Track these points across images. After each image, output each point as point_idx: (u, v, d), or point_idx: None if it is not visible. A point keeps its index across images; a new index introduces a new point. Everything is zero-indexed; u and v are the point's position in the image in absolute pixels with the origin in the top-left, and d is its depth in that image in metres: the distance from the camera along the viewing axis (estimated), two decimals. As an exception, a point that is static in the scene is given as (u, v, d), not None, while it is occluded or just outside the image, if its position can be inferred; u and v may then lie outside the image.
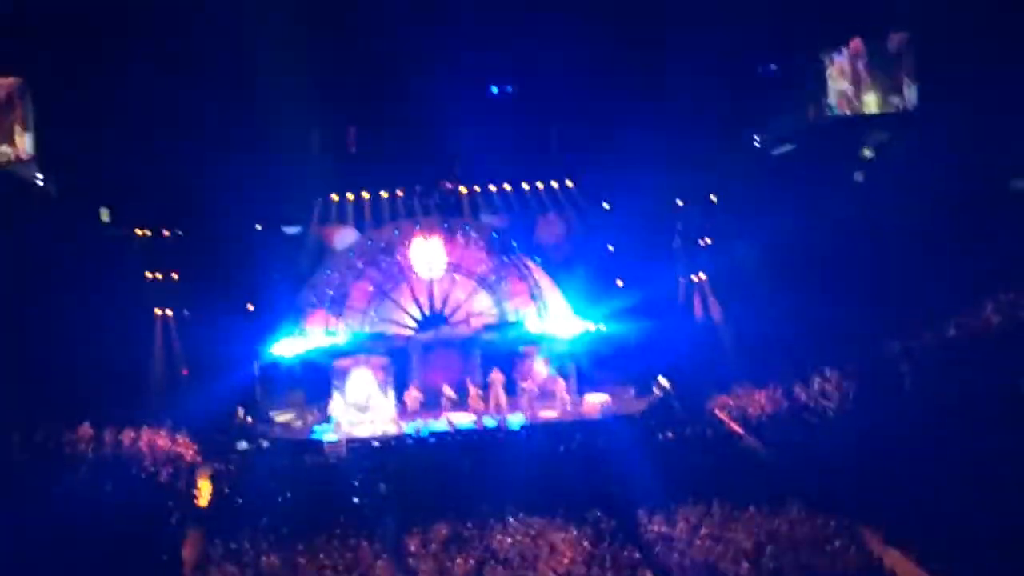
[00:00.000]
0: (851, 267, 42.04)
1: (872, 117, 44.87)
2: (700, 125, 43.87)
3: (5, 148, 40.98)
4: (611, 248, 46.92)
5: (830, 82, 44.89)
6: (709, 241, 47.44)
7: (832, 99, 44.63)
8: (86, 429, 35.74)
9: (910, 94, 44.04)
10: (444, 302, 44.67)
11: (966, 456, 28.68)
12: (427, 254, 44.70)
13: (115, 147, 41.49)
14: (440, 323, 44.23)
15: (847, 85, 44.52)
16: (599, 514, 30.91)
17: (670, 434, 37.07)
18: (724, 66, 42.99)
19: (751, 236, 45.49)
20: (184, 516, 32.91)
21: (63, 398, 37.01)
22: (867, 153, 46.23)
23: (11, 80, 41.49)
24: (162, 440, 37.17)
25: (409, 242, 44.81)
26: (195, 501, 34.71)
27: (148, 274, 44.63)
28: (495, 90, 44.57)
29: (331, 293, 44.17)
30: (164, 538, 30.71)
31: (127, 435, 36.25)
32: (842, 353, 39.41)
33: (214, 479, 35.53)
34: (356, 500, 32.69)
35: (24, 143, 40.79)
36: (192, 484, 35.80)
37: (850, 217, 44.20)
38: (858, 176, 46.76)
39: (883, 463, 30.44)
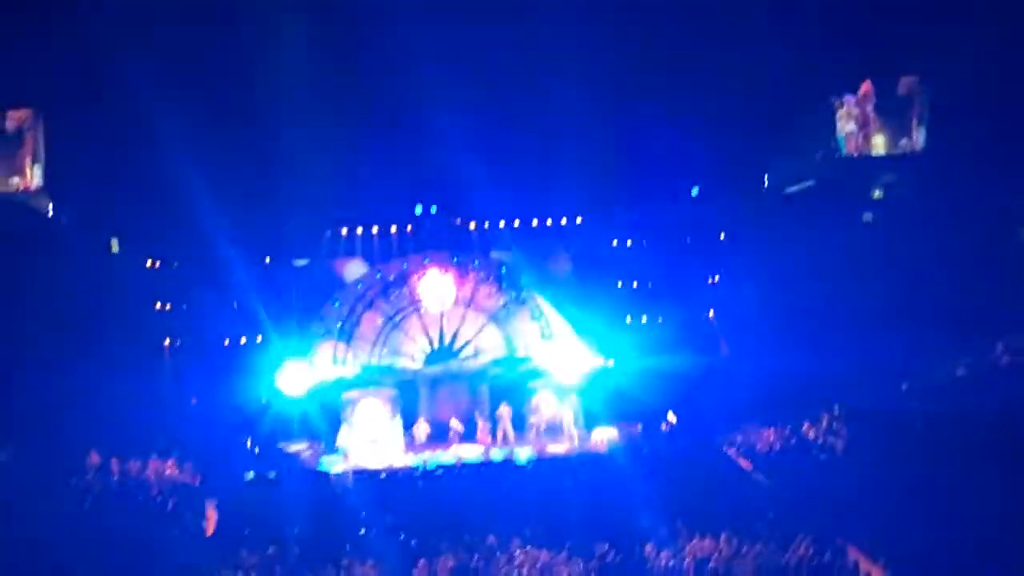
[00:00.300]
0: (859, 306, 42.09)
1: (880, 159, 45.20)
2: (710, 164, 44.06)
3: (15, 179, 41.42)
4: (620, 284, 46.97)
5: (839, 124, 45.26)
6: (718, 279, 47.52)
7: (841, 140, 45.01)
8: (93, 457, 35.94)
9: (918, 136, 44.47)
10: (453, 336, 44.65)
11: (970, 495, 28.68)
12: (436, 288, 44.75)
13: (126, 179, 41.81)
14: (449, 357, 44.18)
15: (856, 127, 44.91)
16: (606, 547, 30.73)
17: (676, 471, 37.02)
18: (735, 106, 43.27)
19: (760, 274, 45.60)
20: (190, 545, 32.92)
21: (72, 427, 37.19)
22: (876, 194, 46.50)
23: (22, 113, 42.04)
24: (169, 469, 37.24)
25: (418, 276, 44.85)
26: (203, 530, 34.72)
27: (158, 304, 44.74)
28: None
29: (340, 325, 44.13)
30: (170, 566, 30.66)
31: (134, 464, 36.40)
32: (851, 391, 39.49)
33: (220, 509, 35.48)
34: (363, 531, 32.55)
35: (34, 174, 41.25)
36: (199, 514, 35.83)
37: (859, 257, 44.34)
38: (867, 216, 46.93)
39: (890, 500, 30.39)
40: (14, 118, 42.67)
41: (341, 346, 44.00)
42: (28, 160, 42.54)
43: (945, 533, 27.40)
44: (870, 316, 41.61)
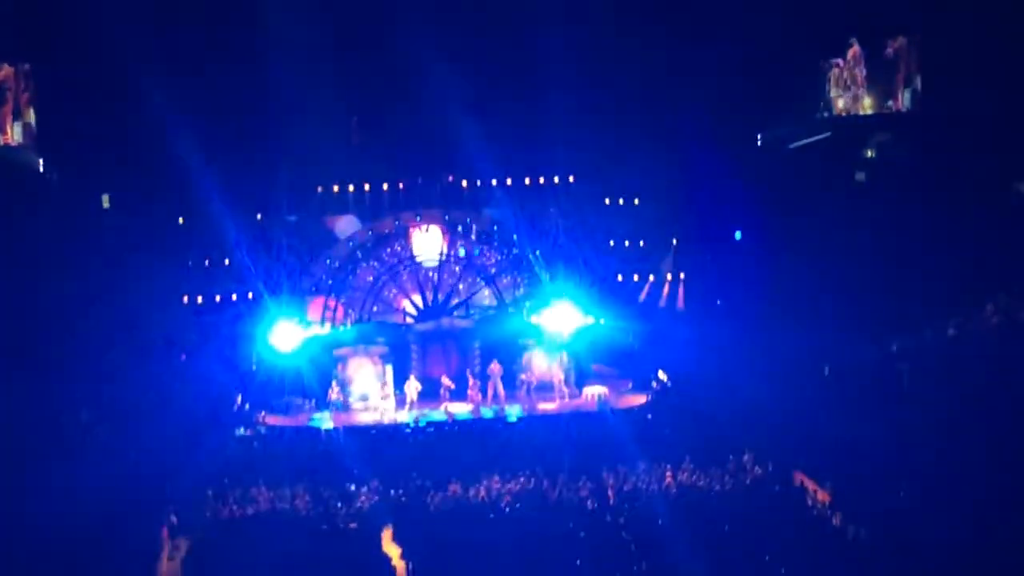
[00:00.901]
0: (851, 266, 42.14)
1: (869, 118, 45.50)
2: (703, 125, 44.00)
3: None
4: (611, 243, 46.98)
5: (829, 85, 45.51)
6: (710, 238, 47.52)
7: (831, 101, 45.34)
8: (84, 415, 35.97)
9: (905, 97, 44.80)
10: (444, 293, 44.68)
11: (959, 454, 29.24)
12: (428, 245, 44.81)
13: (117, 135, 41.65)
14: (440, 314, 44.17)
15: (845, 88, 45.22)
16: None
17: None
18: (728, 67, 43.23)
19: (751, 234, 45.66)
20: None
21: (59, 384, 37.13)
22: (869, 154, 46.74)
23: (4, 70, 42.00)
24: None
25: (410, 233, 44.84)
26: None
27: (148, 260, 44.64)
28: None
29: (331, 282, 44.14)
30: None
31: (124, 420, 36.44)
32: (841, 351, 39.66)
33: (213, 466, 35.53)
34: (352, 487, 32.70)
35: (15, 131, 41.41)
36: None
37: (850, 216, 44.44)
38: (859, 176, 47.08)
39: (874, 456, 30.82)
40: (-3, 76, 42.77)
41: (332, 302, 43.99)
42: (9, 118, 42.64)
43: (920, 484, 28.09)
44: (861, 275, 41.73)
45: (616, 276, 46.54)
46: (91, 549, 26.93)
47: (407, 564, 28.27)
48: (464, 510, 31.33)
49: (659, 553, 27.07)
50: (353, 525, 30.48)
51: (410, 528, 30.28)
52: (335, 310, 44.02)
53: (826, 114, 46.20)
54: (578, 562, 26.83)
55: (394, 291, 44.83)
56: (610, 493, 32.30)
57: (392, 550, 29.44)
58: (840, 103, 46.02)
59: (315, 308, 44.15)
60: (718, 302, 46.60)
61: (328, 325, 43.63)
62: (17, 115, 42.57)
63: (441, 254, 45.04)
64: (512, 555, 26.97)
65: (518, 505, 31.17)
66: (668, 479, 32.87)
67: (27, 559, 25.79)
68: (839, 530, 28.77)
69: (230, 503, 32.32)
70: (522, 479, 32.77)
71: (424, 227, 45.06)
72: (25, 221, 41.16)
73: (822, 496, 31.32)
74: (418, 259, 44.74)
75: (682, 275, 46.88)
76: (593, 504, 31.39)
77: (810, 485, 32.15)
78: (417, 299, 44.65)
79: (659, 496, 31.51)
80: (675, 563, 26.15)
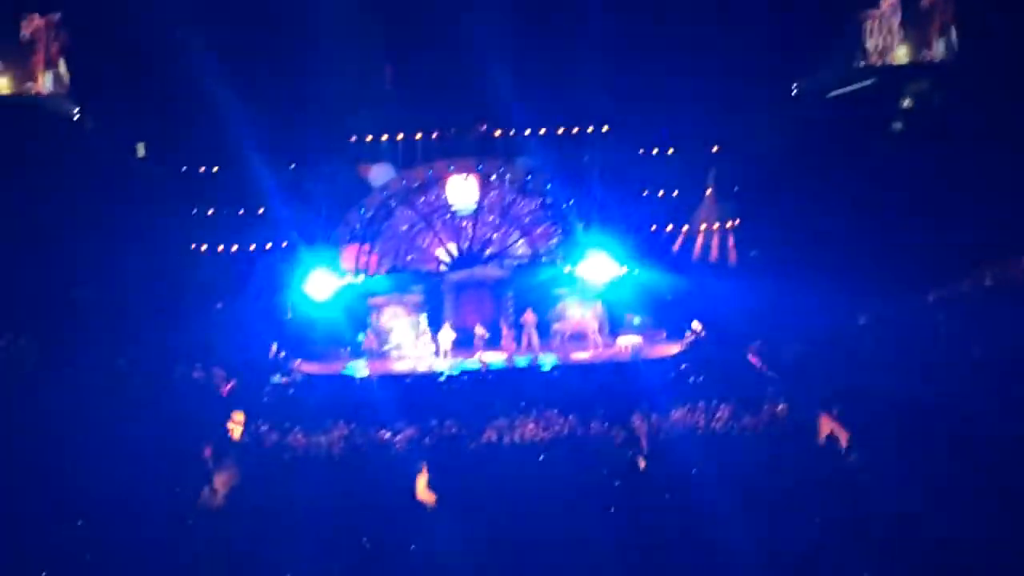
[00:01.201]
0: (886, 215, 41.95)
1: (905, 68, 45.38)
2: (739, 74, 43.68)
3: (29, 84, 41.98)
4: (645, 193, 46.77)
5: (866, 36, 45.27)
6: (744, 188, 47.29)
7: (867, 51, 45.14)
8: (121, 364, 36.24)
9: (940, 47, 44.66)
10: (478, 242, 44.64)
11: (993, 404, 29.26)
12: (461, 194, 44.71)
13: (151, 84, 41.69)
14: (474, 263, 44.18)
15: (881, 38, 45.03)
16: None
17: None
18: (763, 16, 42.89)
19: (787, 184, 45.40)
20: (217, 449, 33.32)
21: (99, 332, 37.43)
22: (906, 103, 46.57)
23: (37, 21, 42.22)
24: (197, 373, 37.54)
25: (444, 182, 44.76)
26: (229, 434, 35.05)
27: (184, 209, 44.82)
28: None
29: (365, 230, 44.14)
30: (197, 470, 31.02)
31: (161, 368, 36.71)
32: (877, 301, 39.54)
33: (248, 413, 35.80)
34: (387, 435, 32.83)
35: (47, 80, 41.75)
36: (226, 417, 36.19)
37: (886, 166, 44.22)
38: (896, 126, 46.86)
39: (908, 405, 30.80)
40: (28, 26, 42.88)
41: (366, 251, 44.03)
42: (40, 67, 42.87)
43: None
44: (896, 225, 41.54)
45: (650, 226, 46.28)
46: (136, 487, 27.19)
47: (439, 508, 28.49)
48: (498, 454, 31.54)
49: (690, 496, 27.09)
50: (388, 470, 30.63)
51: (444, 473, 30.49)
52: (368, 258, 44.05)
53: (862, 63, 45.92)
54: (612, 509, 26.87)
55: (428, 240, 44.75)
56: (642, 440, 32.50)
57: (426, 495, 29.72)
58: (876, 53, 45.75)
59: (349, 257, 44.19)
60: (753, 252, 46.44)
61: (362, 274, 43.68)
62: (48, 64, 42.80)
63: (475, 203, 44.93)
64: (545, 499, 27.04)
65: (551, 451, 31.26)
66: (700, 423, 33.00)
67: (77, 496, 26.11)
68: (857, 473, 28.72)
69: (268, 444, 32.61)
70: (556, 425, 32.93)
71: (459, 176, 44.90)
72: (59, 170, 41.44)
73: (843, 439, 31.44)
74: (453, 208, 44.62)
75: (716, 225, 46.63)
76: (626, 448, 31.63)
77: (834, 429, 32.29)
78: (452, 247, 44.59)
79: (691, 440, 31.61)
80: (705, 505, 26.16)
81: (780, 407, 33.63)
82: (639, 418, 33.68)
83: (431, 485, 30.23)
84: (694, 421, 33.06)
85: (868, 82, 45.89)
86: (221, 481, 30.81)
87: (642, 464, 31.41)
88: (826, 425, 33.03)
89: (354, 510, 27.15)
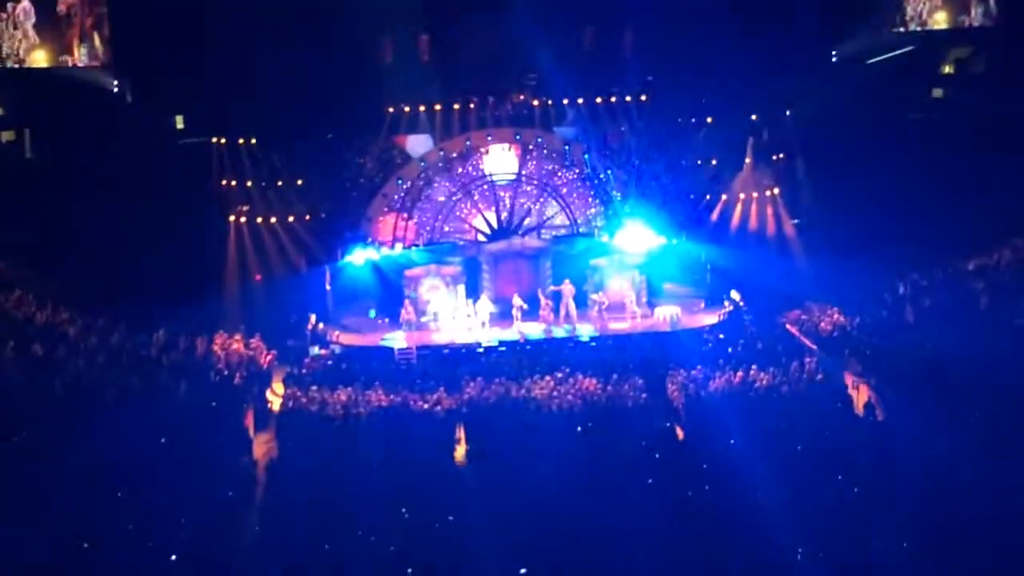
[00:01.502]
0: (926, 183, 41.68)
1: (943, 33, 45.18)
2: (777, 41, 43.38)
3: (64, 57, 42.32)
4: (684, 162, 46.55)
5: (905, 1, 45.05)
6: (783, 156, 47.03)
7: (906, 16, 44.87)
8: (160, 335, 36.52)
9: (978, 12, 44.45)
10: (516, 213, 44.55)
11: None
12: (500, 164, 44.65)
13: (190, 55, 41.76)
14: (511, 233, 44.05)
15: (920, 3, 44.80)
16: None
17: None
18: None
19: (826, 152, 45.16)
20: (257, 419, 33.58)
21: (137, 304, 37.70)
22: (947, 70, 46.38)
23: (75, -7, 42.65)
24: (236, 345, 37.79)
25: (481, 152, 44.69)
26: (268, 405, 35.28)
27: (222, 181, 44.97)
28: None
29: (403, 202, 44.16)
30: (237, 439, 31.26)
31: (201, 340, 36.94)
32: (916, 269, 39.36)
33: (287, 383, 36.00)
34: (425, 406, 32.93)
35: (81, 53, 42.12)
36: (266, 387, 36.42)
37: (926, 132, 43.99)
38: (935, 92, 46.63)
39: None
40: (65, 0, 43.19)
41: (404, 223, 44.06)
42: (76, 40, 43.19)
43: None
44: (936, 193, 41.24)
45: (689, 196, 46.06)
46: (176, 458, 27.62)
47: (476, 475, 28.79)
48: (535, 415, 31.94)
49: (727, 464, 27.28)
50: (425, 437, 30.88)
51: (481, 440, 30.93)
52: (406, 230, 44.07)
53: (901, 29, 45.50)
54: (649, 480, 26.94)
55: (466, 210, 44.70)
56: (679, 409, 32.96)
57: (463, 460, 30.27)
58: (915, 18, 45.37)
59: (387, 228, 44.24)
60: (795, 221, 46.24)
61: (399, 245, 43.72)
62: (83, 38, 43.10)
63: (514, 173, 44.82)
64: (582, 468, 27.36)
65: (588, 418, 31.64)
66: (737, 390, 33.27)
67: (117, 467, 26.38)
68: (895, 440, 28.64)
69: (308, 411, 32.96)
70: (595, 385, 33.60)
71: (497, 146, 44.80)
72: (98, 143, 41.68)
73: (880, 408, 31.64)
74: (491, 178, 44.51)
75: (755, 194, 46.39)
76: (663, 419, 32.12)
77: (872, 398, 32.56)
78: (491, 218, 44.49)
79: (728, 408, 31.67)
80: (742, 475, 26.28)
81: (819, 376, 33.60)
82: (675, 387, 33.94)
83: (469, 453, 30.53)
84: (731, 389, 33.16)
85: (907, 49, 45.45)
86: (261, 451, 31.11)
87: (680, 434, 31.51)
88: (864, 393, 33.20)
89: (393, 475, 27.46)
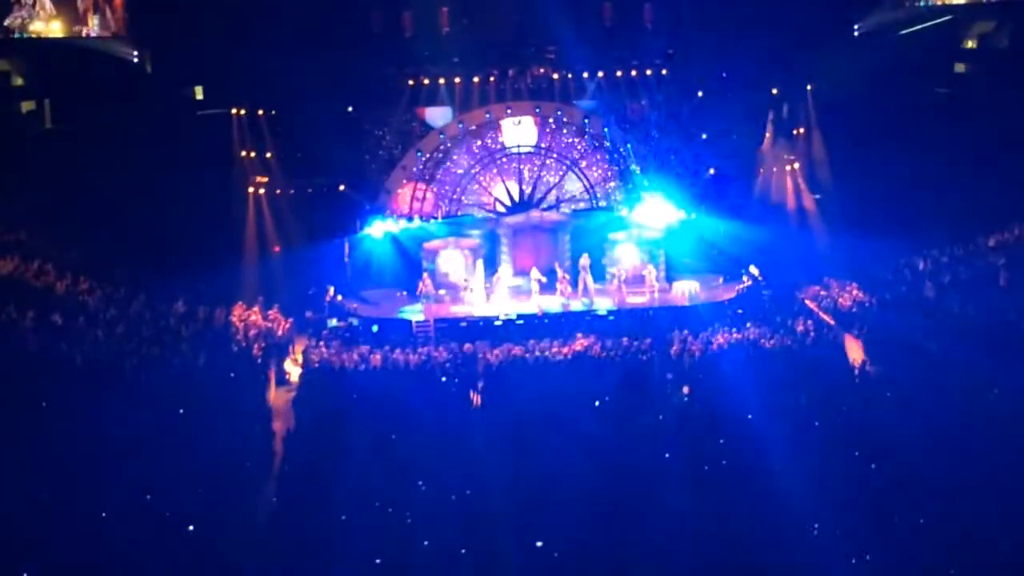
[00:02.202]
0: (948, 159, 41.47)
1: (966, 7, 45.07)
2: (798, 14, 43.19)
3: (77, 27, 42.66)
4: (704, 136, 46.36)
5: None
6: (804, 130, 46.85)
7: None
8: (179, 306, 36.62)
9: None
10: (534, 186, 44.45)
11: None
12: (518, 137, 44.52)
13: (210, 26, 41.77)
14: (530, 207, 43.96)
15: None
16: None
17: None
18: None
19: (847, 126, 44.97)
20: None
21: (157, 275, 37.82)
22: (969, 44, 46.26)
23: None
24: (255, 316, 37.87)
25: (500, 125, 44.58)
26: (287, 376, 35.38)
27: (242, 152, 45.02)
28: None
29: (422, 173, 44.11)
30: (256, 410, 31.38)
31: (220, 311, 37.05)
32: (936, 246, 39.23)
33: (306, 355, 36.11)
34: (443, 378, 33.03)
35: (94, 23, 42.51)
36: (284, 358, 36.52)
37: (948, 107, 43.80)
38: (958, 66, 46.45)
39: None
40: (79, -29, 43.56)
41: (423, 194, 44.02)
42: (90, 11, 43.42)
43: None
44: (958, 169, 41.03)
45: (708, 170, 45.87)
46: (196, 426, 27.99)
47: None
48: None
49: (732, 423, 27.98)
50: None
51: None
52: (425, 202, 44.02)
53: (924, 2, 45.30)
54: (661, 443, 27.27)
55: (485, 182, 44.60)
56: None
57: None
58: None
59: (406, 200, 44.20)
60: (816, 196, 46.07)
61: (418, 217, 43.70)
62: (96, 8, 43.28)
63: (533, 146, 44.70)
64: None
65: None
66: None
67: (138, 432, 26.60)
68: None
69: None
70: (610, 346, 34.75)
71: (516, 119, 44.67)
72: (116, 113, 41.80)
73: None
74: (510, 151, 44.39)
75: (775, 169, 46.24)
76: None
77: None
78: (511, 189, 44.34)
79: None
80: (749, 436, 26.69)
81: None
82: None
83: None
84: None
85: (930, 23, 45.19)
86: (279, 422, 31.23)
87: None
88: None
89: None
